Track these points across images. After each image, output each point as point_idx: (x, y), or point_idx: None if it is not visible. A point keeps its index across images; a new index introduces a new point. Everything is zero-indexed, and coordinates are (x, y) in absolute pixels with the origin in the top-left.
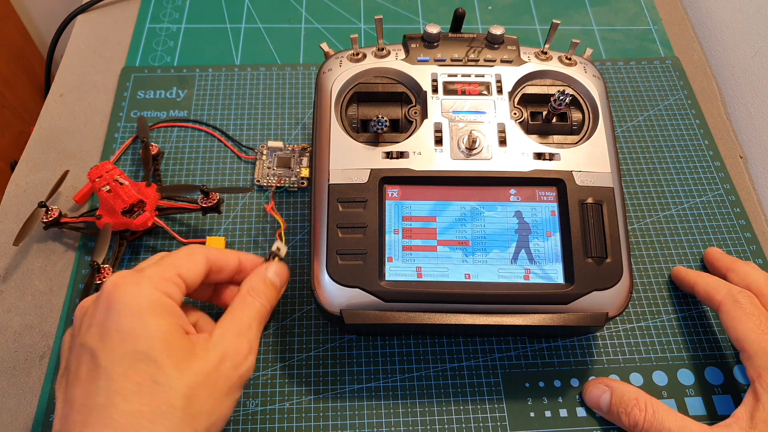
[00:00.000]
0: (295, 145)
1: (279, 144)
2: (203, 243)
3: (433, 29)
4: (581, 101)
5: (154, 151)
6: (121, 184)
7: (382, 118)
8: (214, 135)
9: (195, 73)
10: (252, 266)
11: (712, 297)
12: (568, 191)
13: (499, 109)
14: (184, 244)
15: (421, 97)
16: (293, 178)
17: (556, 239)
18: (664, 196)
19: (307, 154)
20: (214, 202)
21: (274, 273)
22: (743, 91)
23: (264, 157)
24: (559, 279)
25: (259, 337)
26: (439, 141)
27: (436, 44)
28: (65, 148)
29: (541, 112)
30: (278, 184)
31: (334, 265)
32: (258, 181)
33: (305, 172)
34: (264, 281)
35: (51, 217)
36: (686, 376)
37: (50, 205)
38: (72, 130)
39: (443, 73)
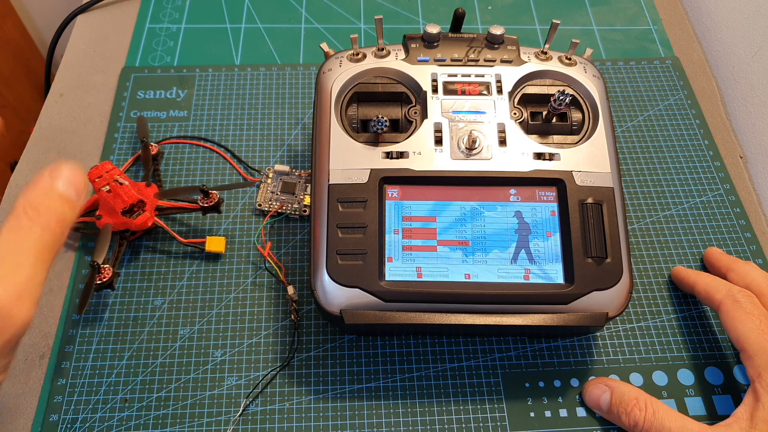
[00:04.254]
0: (302, 171)
1: (285, 168)
2: (203, 243)
3: (433, 29)
4: (581, 101)
5: (153, 151)
6: (120, 184)
7: (382, 118)
8: (222, 155)
9: (195, 73)
10: None
11: (712, 297)
12: (568, 191)
13: (499, 109)
14: (185, 244)
15: (421, 97)
16: (295, 205)
17: (556, 239)
18: (664, 196)
19: None
20: (214, 201)
21: (66, 182)
22: (743, 91)
23: (269, 180)
24: (559, 279)
25: (42, 276)
26: (439, 141)
27: (436, 44)
28: (65, 148)
29: (541, 112)
30: (279, 210)
31: (334, 265)
32: (260, 204)
33: (308, 200)
34: (48, 195)
35: None
36: (686, 376)
37: None
38: (72, 130)
39: (443, 73)
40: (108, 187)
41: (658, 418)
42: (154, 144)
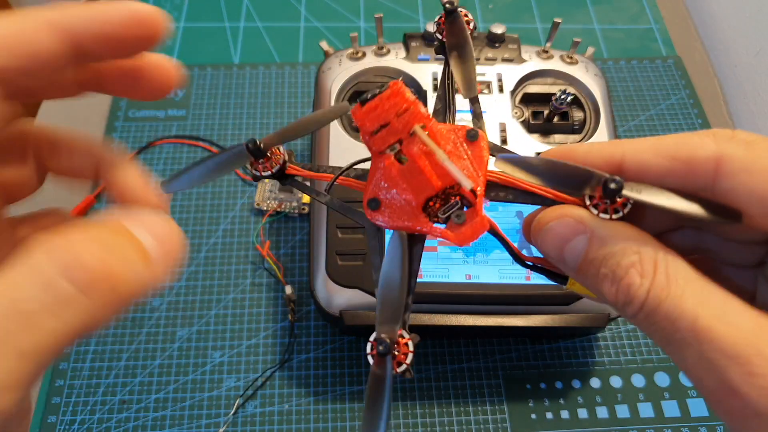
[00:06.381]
0: None
1: None
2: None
3: (434, 28)
4: (583, 100)
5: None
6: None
7: None
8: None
9: (194, 72)
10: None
11: (694, 156)
12: None
13: (500, 108)
14: (530, 265)
15: (422, 96)
16: (294, 203)
17: None
18: None
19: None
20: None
21: (151, 233)
22: (745, 91)
23: (266, 180)
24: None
25: (49, 362)
26: None
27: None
28: None
29: (543, 112)
30: (278, 209)
31: (334, 266)
32: (258, 204)
33: (306, 198)
34: (120, 248)
35: (273, 162)
36: None
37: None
38: None
39: None
40: (397, 150)
41: (674, 293)
42: None
